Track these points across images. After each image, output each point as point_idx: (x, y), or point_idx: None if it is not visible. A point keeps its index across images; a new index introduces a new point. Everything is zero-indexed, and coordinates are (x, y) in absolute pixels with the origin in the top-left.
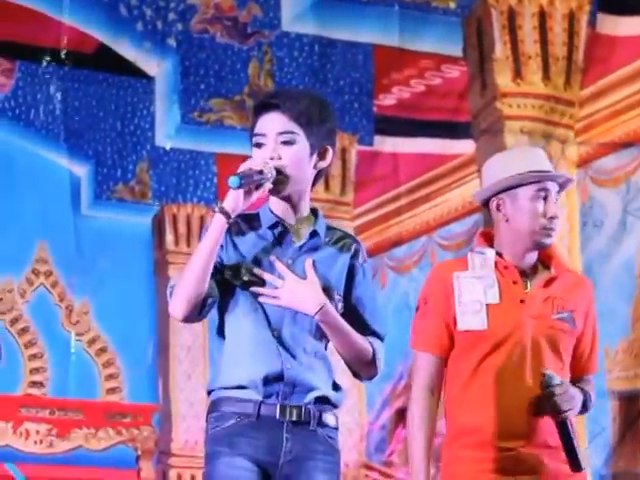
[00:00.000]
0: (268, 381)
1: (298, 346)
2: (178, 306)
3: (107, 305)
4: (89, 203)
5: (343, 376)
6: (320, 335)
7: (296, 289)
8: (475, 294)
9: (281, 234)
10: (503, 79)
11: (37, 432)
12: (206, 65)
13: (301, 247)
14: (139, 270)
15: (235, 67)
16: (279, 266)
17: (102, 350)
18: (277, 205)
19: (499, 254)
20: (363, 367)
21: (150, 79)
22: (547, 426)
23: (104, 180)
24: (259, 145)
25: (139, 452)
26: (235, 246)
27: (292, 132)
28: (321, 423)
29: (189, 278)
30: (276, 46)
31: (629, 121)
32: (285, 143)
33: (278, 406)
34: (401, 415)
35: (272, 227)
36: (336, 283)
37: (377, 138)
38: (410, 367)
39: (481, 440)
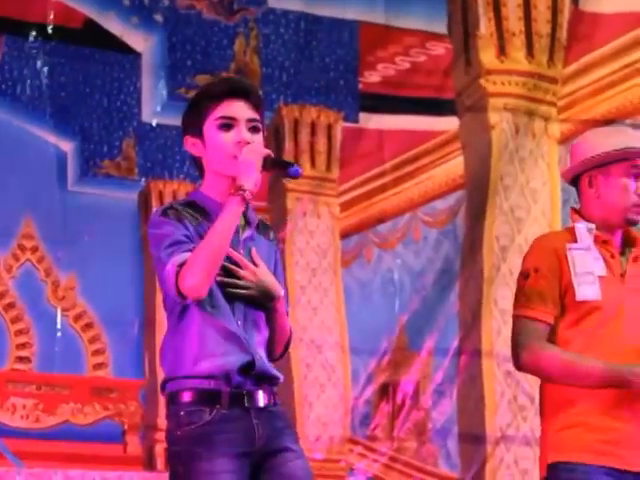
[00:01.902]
0: (241, 371)
1: (254, 337)
2: (196, 283)
3: (93, 281)
4: (75, 179)
5: (331, 351)
6: (259, 326)
7: (265, 275)
8: (587, 266)
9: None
10: (487, 56)
11: (24, 407)
12: (192, 41)
13: (245, 239)
14: (125, 246)
15: (221, 43)
16: (253, 253)
17: (88, 326)
18: (222, 194)
19: (597, 229)
20: (286, 347)
21: (137, 55)
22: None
23: (90, 156)
24: (228, 127)
25: (125, 427)
26: (200, 235)
27: (257, 120)
28: (275, 403)
29: (209, 256)
30: (262, 22)
31: (612, 98)
32: (252, 129)
33: (245, 394)
34: (385, 390)
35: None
36: (271, 270)
37: (362, 115)
38: (512, 333)
39: (591, 408)
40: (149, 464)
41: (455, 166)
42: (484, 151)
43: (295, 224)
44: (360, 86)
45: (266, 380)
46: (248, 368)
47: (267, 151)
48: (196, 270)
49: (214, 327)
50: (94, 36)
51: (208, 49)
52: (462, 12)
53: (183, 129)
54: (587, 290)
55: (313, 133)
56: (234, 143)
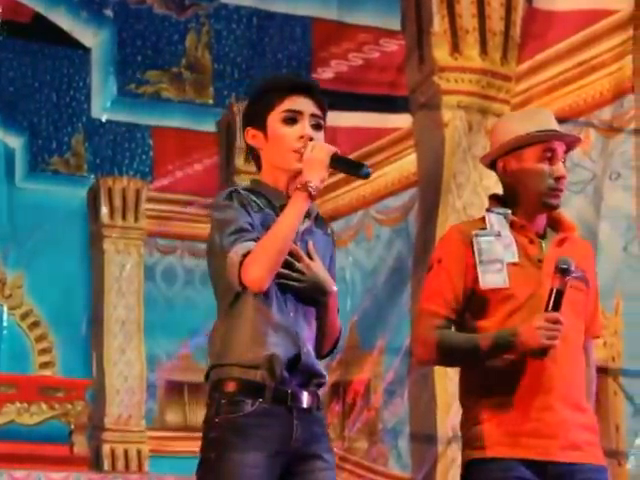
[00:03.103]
0: (286, 365)
1: (304, 331)
2: (260, 275)
3: (41, 279)
4: (23, 175)
5: None
6: (310, 320)
7: (318, 269)
8: (495, 253)
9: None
10: (441, 53)
11: None
12: (143, 36)
13: (304, 231)
14: (74, 243)
15: (172, 39)
16: (310, 247)
17: (35, 324)
18: (280, 187)
19: (513, 214)
20: (334, 344)
21: (86, 50)
22: (574, 386)
23: (39, 152)
24: (293, 121)
25: (72, 427)
26: (262, 224)
27: (320, 117)
28: (319, 407)
29: (274, 250)
30: (214, 18)
31: (565, 96)
32: (315, 126)
33: (290, 392)
34: (336, 389)
35: (282, 208)
36: (326, 265)
37: None
38: (413, 324)
39: (505, 400)
40: (96, 465)
41: (408, 164)
42: (437, 149)
43: None
44: None
45: (312, 377)
46: (295, 362)
47: (334, 149)
48: (261, 263)
49: (266, 317)
50: (43, 31)
51: (159, 45)
52: (416, 9)
53: (245, 121)
54: (492, 277)
55: None
56: (297, 137)
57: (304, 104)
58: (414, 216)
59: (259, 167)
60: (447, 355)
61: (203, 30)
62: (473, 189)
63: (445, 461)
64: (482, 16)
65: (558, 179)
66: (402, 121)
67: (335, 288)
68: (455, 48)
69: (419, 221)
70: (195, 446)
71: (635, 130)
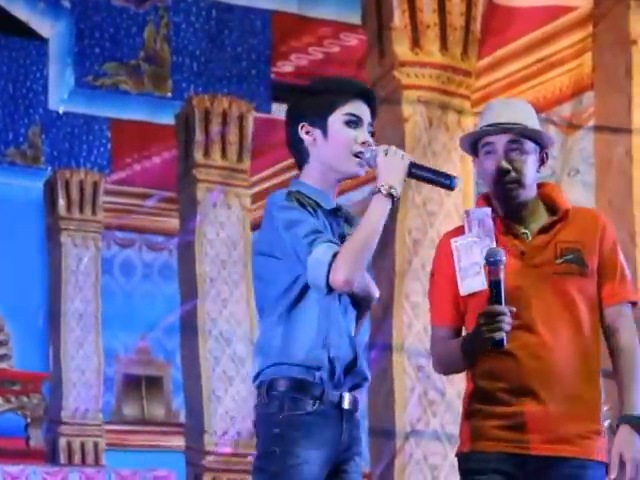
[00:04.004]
0: (343, 368)
1: (356, 335)
2: (349, 277)
3: None
4: None
5: (240, 344)
6: (355, 325)
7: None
8: (473, 257)
9: (337, 220)
10: (401, 48)
11: None
12: (101, 28)
13: (346, 235)
14: (30, 236)
15: (131, 31)
16: None
17: None
18: (327, 188)
19: (495, 211)
20: None
21: (44, 41)
22: (564, 378)
23: None
24: (354, 124)
25: (28, 420)
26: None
27: (372, 126)
28: (357, 409)
29: (363, 252)
30: (172, 11)
31: (525, 93)
32: (370, 134)
33: (342, 395)
34: None
35: (334, 212)
36: None
37: (274, 105)
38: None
39: (488, 395)
40: (52, 458)
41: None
42: (397, 144)
43: (205, 215)
44: (273, 76)
45: (362, 381)
46: (351, 365)
47: (410, 156)
48: (350, 265)
49: (329, 320)
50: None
51: (117, 36)
52: (376, 3)
53: (298, 115)
54: (470, 282)
55: (224, 123)
56: (358, 142)
57: (364, 111)
58: None
59: (300, 164)
60: (447, 365)
61: (162, 22)
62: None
63: (402, 456)
64: (443, 11)
65: (503, 172)
66: None
67: (377, 295)
68: (415, 43)
69: None
70: (153, 439)
71: (594, 127)
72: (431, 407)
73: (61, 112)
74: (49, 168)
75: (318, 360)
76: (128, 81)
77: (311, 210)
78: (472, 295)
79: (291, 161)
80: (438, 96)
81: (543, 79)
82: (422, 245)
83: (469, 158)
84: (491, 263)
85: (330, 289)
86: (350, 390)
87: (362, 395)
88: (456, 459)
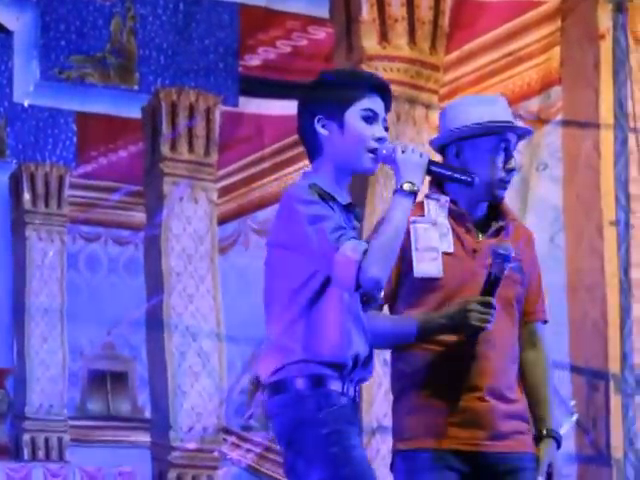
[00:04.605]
0: (362, 363)
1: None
2: (380, 275)
3: None
4: None
5: (206, 339)
6: None
7: None
8: (431, 241)
9: (349, 215)
10: (369, 42)
11: None
12: (67, 20)
13: (357, 229)
14: None
15: (97, 23)
16: None
17: None
18: (339, 182)
19: (453, 202)
20: None
21: (9, 33)
22: (503, 377)
23: None
24: (370, 120)
25: None
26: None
27: (387, 121)
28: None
29: (392, 251)
30: (139, 3)
31: (493, 86)
32: (385, 129)
33: (355, 388)
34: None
35: (347, 207)
36: None
37: (242, 99)
38: None
39: (432, 391)
40: (16, 454)
41: None
42: None
43: (171, 209)
44: (240, 69)
45: (367, 375)
46: (367, 361)
47: (428, 154)
48: (381, 264)
49: (351, 316)
50: None
51: (83, 29)
52: None
53: (316, 108)
54: (426, 266)
55: (191, 116)
56: (375, 138)
57: (379, 106)
58: None
59: (312, 156)
60: (382, 339)
61: (128, 15)
62: None
63: (369, 451)
64: (411, 5)
65: (509, 171)
66: None
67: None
68: (384, 37)
69: None
70: (118, 435)
71: (562, 121)
72: None
73: (26, 105)
74: (14, 161)
75: (344, 357)
76: (94, 74)
77: (332, 204)
78: (423, 280)
79: (258, 155)
80: (406, 90)
81: (511, 73)
82: None
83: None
84: (503, 258)
85: (358, 288)
86: (357, 383)
87: None
88: (393, 457)
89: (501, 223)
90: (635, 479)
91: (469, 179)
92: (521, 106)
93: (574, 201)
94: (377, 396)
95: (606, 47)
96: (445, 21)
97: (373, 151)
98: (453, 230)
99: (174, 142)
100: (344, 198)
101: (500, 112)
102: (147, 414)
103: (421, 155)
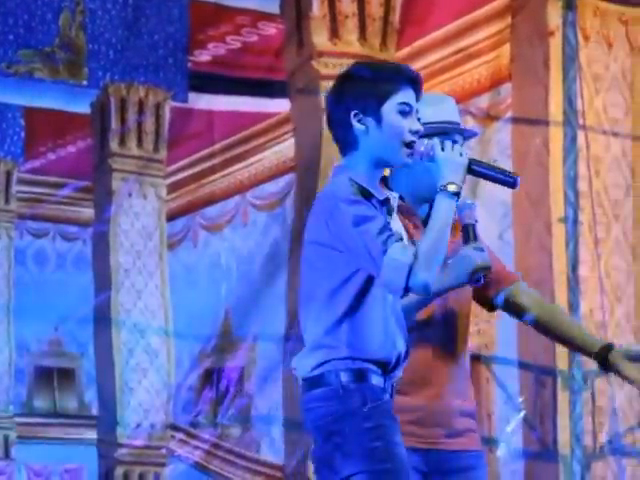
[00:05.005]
0: (402, 361)
1: None
2: (430, 279)
3: None
4: None
5: (154, 335)
6: None
7: None
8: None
9: (388, 209)
10: (320, 38)
11: None
12: (15, 14)
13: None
14: None
15: (45, 18)
16: None
17: None
18: (374, 178)
19: (400, 198)
20: None
21: None
22: (459, 374)
23: None
24: (406, 113)
25: None
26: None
27: (418, 112)
28: None
29: (438, 254)
30: None
31: (443, 83)
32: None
33: (392, 384)
34: (209, 376)
35: (385, 202)
36: None
37: (191, 95)
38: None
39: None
40: None
41: (286, 149)
42: (315, 134)
43: (120, 205)
44: (190, 65)
45: (400, 374)
46: (405, 360)
47: (469, 154)
48: (431, 269)
49: (394, 316)
50: None
51: (31, 23)
52: None
53: (352, 102)
54: None
55: (141, 112)
56: (412, 131)
57: (413, 98)
58: (291, 202)
59: (345, 150)
60: None
61: (77, 9)
62: None
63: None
64: (361, 1)
65: None
66: (280, 106)
67: None
68: (334, 33)
69: (296, 207)
70: (65, 432)
71: (512, 118)
72: None
73: None
74: None
75: (388, 355)
76: (43, 69)
77: (374, 202)
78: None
79: (208, 151)
80: None
81: (461, 70)
82: None
83: None
84: (470, 206)
85: (407, 291)
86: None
87: (277, 387)
88: None
89: None
90: (581, 475)
91: (511, 180)
92: (471, 103)
93: (523, 198)
94: None
95: (556, 44)
96: (396, 17)
97: (409, 145)
98: (403, 225)
99: (123, 138)
100: (381, 193)
101: (447, 112)
102: (94, 411)
103: (461, 154)
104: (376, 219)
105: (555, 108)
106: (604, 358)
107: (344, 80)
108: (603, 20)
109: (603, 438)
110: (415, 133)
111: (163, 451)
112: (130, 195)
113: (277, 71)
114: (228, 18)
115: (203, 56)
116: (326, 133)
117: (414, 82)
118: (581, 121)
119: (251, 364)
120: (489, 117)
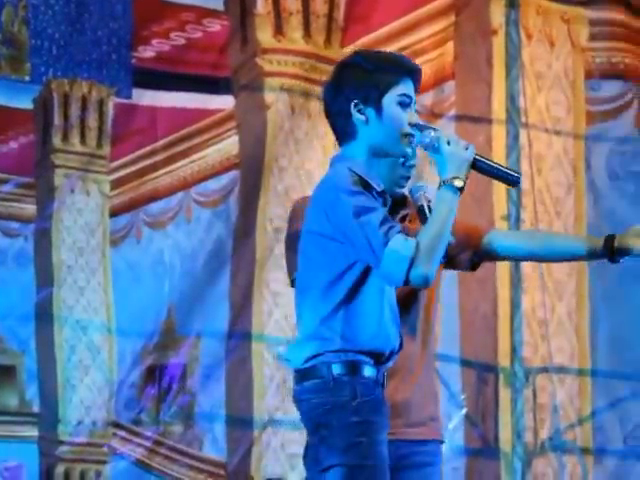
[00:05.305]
0: (395, 353)
1: None
2: (430, 273)
3: None
4: None
5: (96, 332)
6: None
7: None
8: None
9: (384, 201)
10: (264, 35)
11: None
12: None
13: (401, 218)
14: None
15: None
16: None
17: None
18: (374, 169)
19: None
20: None
21: None
22: (418, 368)
23: None
24: (405, 105)
25: None
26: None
27: (416, 104)
28: None
29: (438, 248)
30: None
31: None
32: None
33: (383, 376)
34: (152, 373)
35: (382, 193)
36: None
37: (135, 91)
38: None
39: None
40: None
41: (229, 146)
42: (259, 131)
43: (62, 201)
44: (134, 61)
45: (391, 364)
46: (397, 352)
47: (474, 150)
48: (432, 262)
49: (388, 307)
50: None
51: None
52: None
53: (352, 92)
54: None
55: (84, 108)
56: (411, 123)
57: (412, 90)
58: (235, 199)
59: (343, 140)
60: None
61: (20, 4)
62: (295, 172)
63: (260, 445)
64: None
65: (410, 167)
66: (224, 102)
67: None
68: (279, 30)
69: (240, 204)
70: (5, 430)
71: (455, 116)
72: (290, 396)
73: None
74: None
75: (382, 347)
76: None
77: (374, 194)
78: None
79: (151, 147)
80: (301, 84)
81: None
82: (283, 233)
83: (330, 146)
84: (419, 189)
85: (407, 283)
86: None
87: (220, 384)
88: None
89: (406, 211)
90: (522, 471)
91: (514, 178)
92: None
93: (466, 195)
94: (269, 389)
95: (499, 42)
96: (340, 15)
97: (408, 136)
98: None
99: (66, 134)
100: (379, 184)
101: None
102: (35, 408)
103: (466, 148)
104: (377, 210)
105: (498, 106)
106: (612, 245)
107: (344, 69)
108: (545, 19)
109: (544, 435)
110: (414, 125)
111: (105, 449)
112: (73, 191)
113: (221, 68)
114: (172, 14)
115: (147, 52)
116: (270, 130)
117: (414, 74)
118: (523, 119)
119: (194, 361)
120: (433, 115)
